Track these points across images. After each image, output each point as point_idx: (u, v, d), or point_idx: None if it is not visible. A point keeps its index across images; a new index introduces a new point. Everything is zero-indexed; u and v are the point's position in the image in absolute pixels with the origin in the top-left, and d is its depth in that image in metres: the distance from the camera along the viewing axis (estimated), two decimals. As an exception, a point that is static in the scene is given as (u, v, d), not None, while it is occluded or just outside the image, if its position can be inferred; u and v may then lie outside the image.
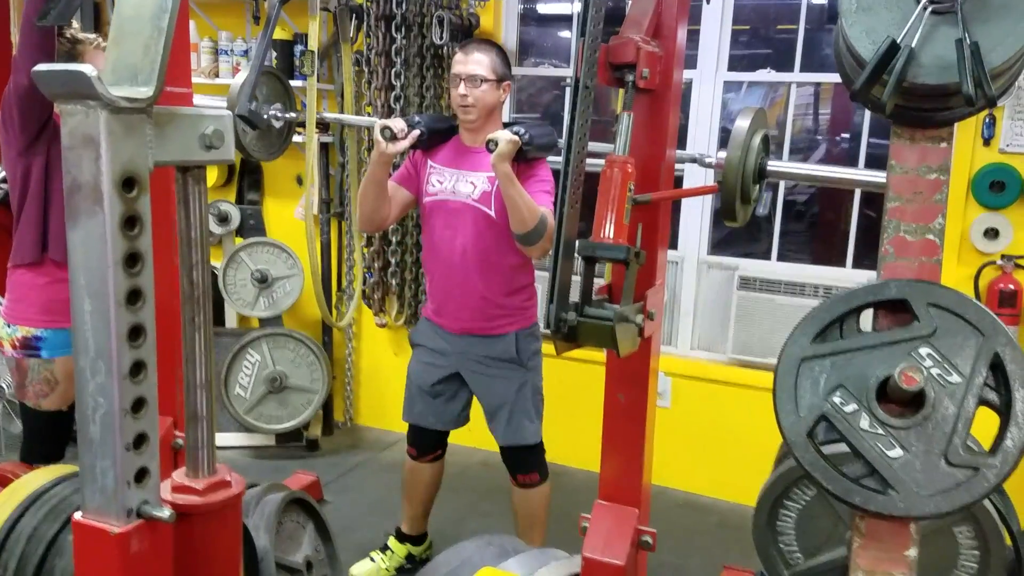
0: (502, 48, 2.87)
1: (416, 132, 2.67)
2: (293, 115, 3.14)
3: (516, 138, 2.52)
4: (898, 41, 1.30)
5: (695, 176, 3.92)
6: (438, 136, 2.83)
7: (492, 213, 2.74)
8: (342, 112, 4.08)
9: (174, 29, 1.15)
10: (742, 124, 1.77)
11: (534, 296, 2.97)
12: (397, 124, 2.64)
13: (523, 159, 2.62)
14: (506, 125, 2.76)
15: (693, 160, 2.32)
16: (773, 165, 1.83)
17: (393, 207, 2.84)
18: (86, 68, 1.07)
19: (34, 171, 2.56)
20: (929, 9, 1.31)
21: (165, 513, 1.25)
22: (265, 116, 3.04)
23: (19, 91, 2.41)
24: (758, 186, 1.83)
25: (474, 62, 2.72)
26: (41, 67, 1.10)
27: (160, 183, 1.38)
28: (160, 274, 1.30)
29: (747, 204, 1.82)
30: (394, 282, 4.29)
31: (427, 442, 3.06)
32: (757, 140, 1.79)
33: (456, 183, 2.80)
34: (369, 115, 4.17)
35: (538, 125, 2.72)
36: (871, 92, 1.36)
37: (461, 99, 2.73)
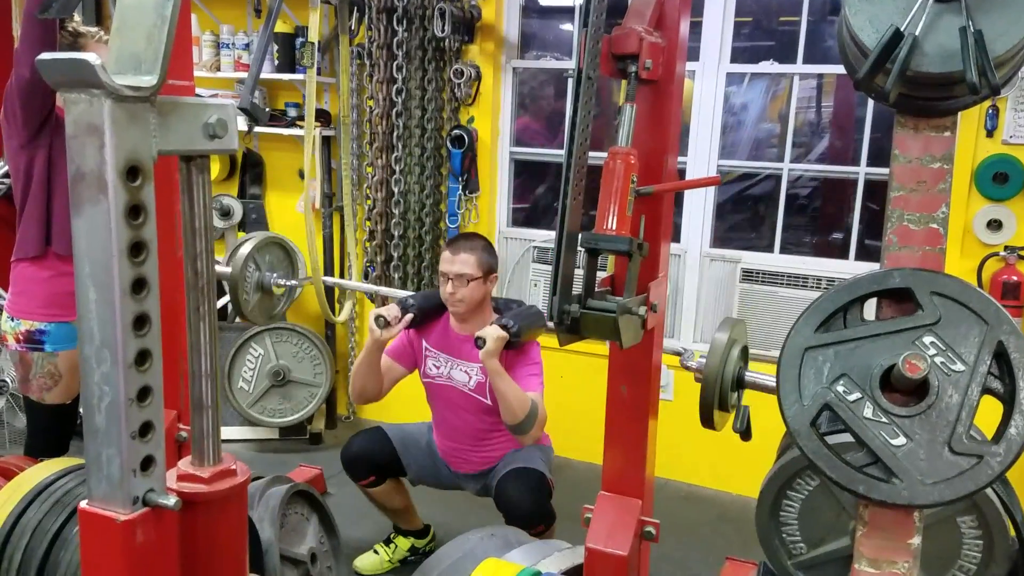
0: (488, 241, 2.97)
1: (409, 316, 2.84)
2: (295, 282, 3.24)
3: (504, 334, 2.65)
4: (902, 30, 1.30)
5: (698, 171, 3.92)
6: (430, 314, 2.97)
7: (488, 402, 2.89)
8: (340, 105, 4.09)
9: (177, 18, 1.15)
10: (721, 337, 1.81)
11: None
12: (390, 312, 2.79)
13: (512, 347, 2.74)
14: (496, 305, 2.95)
15: (676, 353, 2.35)
16: (751, 375, 1.88)
17: (386, 382, 2.98)
18: (90, 56, 1.07)
19: (37, 165, 2.56)
20: (933, -3, 1.31)
21: (171, 501, 1.25)
22: (264, 283, 3.17)
23: (21, 84, 2.41)
24: (736, 394, 1.87)
25: (460, 262, 2.83)
26: (45, 56, 1.09)
27: (163, 173, 1.38)
28: (164, 267, 1.30)
29: (725, 411, 1.86)
30: (396, 276, 4.29)
31: (359, 471, 3.05)
32: (736, 351, 1.84)
33: (451, 370, 2.96)
34: (371, 109, 4.17)
35: (526, 309, 2.87)
36: (874, 81, 1.35)
37: (450, 296, 2.84)
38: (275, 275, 3.18)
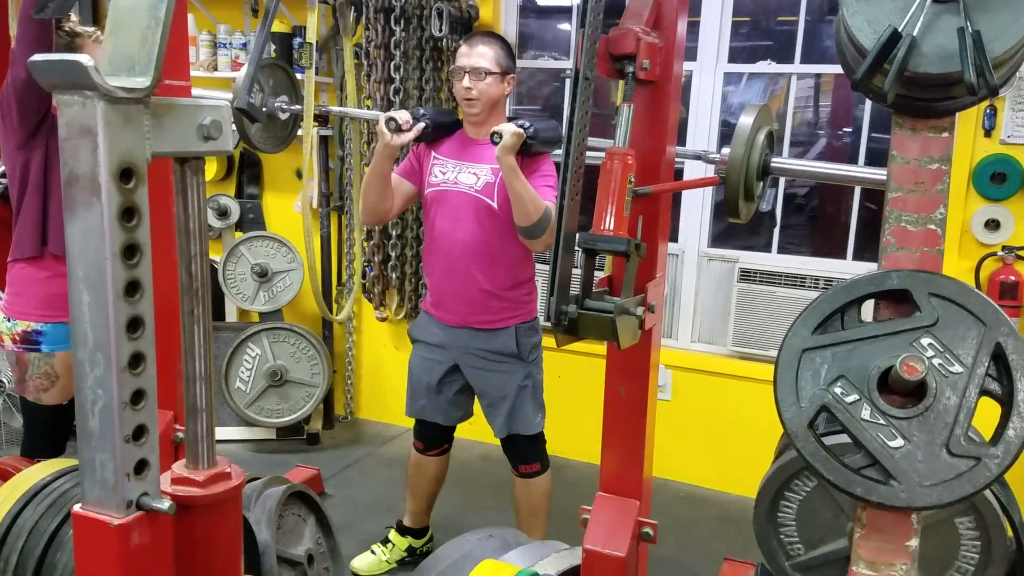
0: (506, 41, 2.86)
1: (421, 125, 2.68)
2: (298, 107, 3.14)
3: (521, 131, 2.52)
4: (900, 30, 1.29)
5: (695, 169, 3.91)
6: (442, 129, 2.84)
7: (495, 205, 2.74)
8: (343, 105, 4.09)
9: (171, 19, 1.14)
10: (746, 120, 1.76)
11: (534, 290, 2.96)
12: (402, 116, 2.64)
13: (527, 153, 2.61)
14: (510, 119, 2.74)
15: (697, 157, 2.31)
16: (777, 162, 1.83)
17: (396, 200, 2.84)
18: (83, 58, 1.06)
19: (33, 165, 2.55)
20: (931, -2, 1.30)
21: (165, 505, 1.25)
22: (265, 108, 3.03)
23: (17, 84, 2.40)
24: (762, 183, 1.83)
25: (478, 55, 2.72)
26: (38, 57, 1.09)
27: (157, 175, 1.38)
28: (158, 269, 1.30)
29: (750, 201, 1.81)
30: (394, 276, 4.29)
31: (434, 436, 3.07)
32: (761, 137, 1.79)
33: (459, 174, 2.80)
34: (368, 108, 4.16)
35: (543, 119, 2.73)
36: (872, 82, 1.35)
37: (465, 92, 2.73)
38: (279, 99, 3.08)
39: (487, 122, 2.77)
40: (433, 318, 2.96)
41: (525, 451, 2.95)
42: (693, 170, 3.90)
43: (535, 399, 2.93)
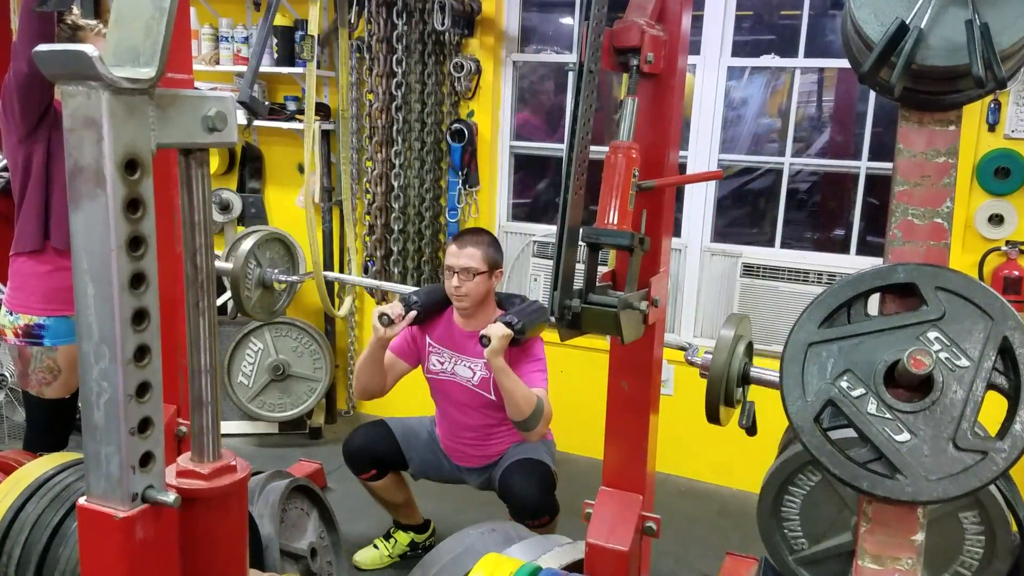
0: (494, 237, 2.96)
1: (412, 313, 2.83)
2: (296, 278, 3.24)
3: (509, 332, 2.64)
4: (907, 22, 1.28)
5: (699, 165, 3.91)
6: (434, 310, 2.96)
7: (492, 397, 2.88)
8: (340, 99, 4.08)
9: (176, 10, 1.14)
10: (727, 333, 1.81)
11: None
12: (394, 310, 2.78)
13: (516, 344, 2.72)
14: (499, 301, 2.95)
15: (681, 348, 2.32)
16: (755, 371, 1.87)
17: (389, 378, 2.97)
18: (87, 48, 1.06)
19: (35, 158, 2.55)
20: (938, -10, 1.30)
21: (170, 498, 1.24)
22: (265, 280, 3.17)
23: (19, 78, 2.40)
24: (741, 389, 1.86)
25: (467, 256, 2.82)
26: (42, 47, 1.08)
27: (162, 167, 1.37)
28: (162, 262, 1.29)
29: (730, 407, 1.85)
30: (396, 271, 4.28)
31: (360, 464, 3.04)
32: (741, 347, 1.84)
33: (455, 366, 2.95)
34: (371, 103, 4.16)
35: (529, 304, 2.86)
36: (879, 75, 1.34)
37: (455, 290, 2.84)
38: (276, 271, 3.17)
39: (477, 315, 2.90)
40: (445, 453, 3.09)
41: (533, 507, 2.76)
42: (697, 164, 3.90)
43: (544, 448, 2.98)
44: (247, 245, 3.04)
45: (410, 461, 3.06)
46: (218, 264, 3.16)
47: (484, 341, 2.61)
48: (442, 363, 2.97)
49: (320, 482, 3.64)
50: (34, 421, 2.82)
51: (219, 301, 4.37)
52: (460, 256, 2.81)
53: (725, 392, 1.80)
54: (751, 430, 1.81)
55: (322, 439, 4.37)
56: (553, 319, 1.70)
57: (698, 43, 3.82)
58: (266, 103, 4.19)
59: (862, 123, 3.72)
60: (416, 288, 3.39)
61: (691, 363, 1.99)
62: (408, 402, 3.60)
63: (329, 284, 4.36)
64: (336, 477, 3.86)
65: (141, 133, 1.15)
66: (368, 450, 3.01)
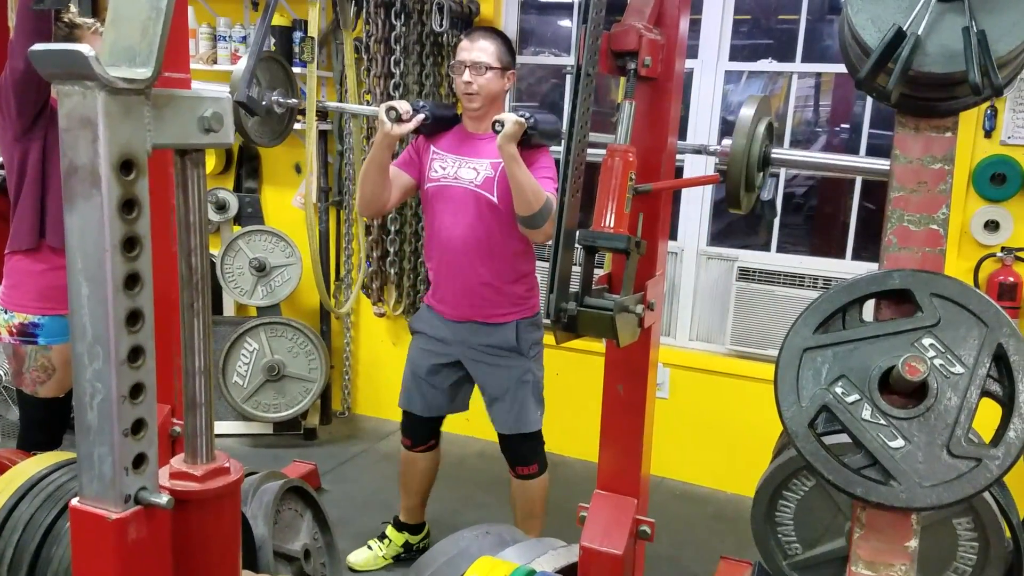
0: (507, 36, 2.86)
1: (421, 116, 2.67)
2: (294, 101, 3.12)
3: (522, 120, 2.52)
4: (904, 29, 1.29)
5: (695, 168, 3.91)
6: (442, 123, 2.83)
7: (495, 199, 2.74)
8: (343, 100, 4.07)
9: (172, 10, 1.14)
10: (747, 112, 1.77)
11: (535, 286, 2.96)
12: (402, 106, 2.65)
13: (527, 145, 2.61)
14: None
15: (697, 151, 2.31)
16: (778, 152, 1.83)
17: (394, 191, 2.83)
18: (83, 48, 1.05)
19: (31, 157, 2.54)
20: (935, -3, 1.30)
21: (163, 499, 1.24)
22: (265, 102, 3.02)
23: (15, 76, 2.39)
24: (762, 173, 1.83)
25: (479, 49, 2.72)
26: (38, 47, 1.08)
27: (157, 167, 1.37)
28: (156, 262, 1.29)
29: (751, 192, 1.81)
30: (392, 271, 4.28)
31: (420, 432, 3.06)
32: (762, 128, 1.79)
33: (459, 169, 2.80)
34: (368, 103, 4.15)
35: (543, 112, 2.72)
36: (876, 81, 1.35)
37: (465, 86, 2.72)
38: (275, 94, 3.08)
39: (486, 117, 2.76)
40: (434, 312, 2.96)
41: (523, 452, 2.94)
42: (693, 168, 3.90)
43: (535, 396, 2.93)
44: (242, 65, 2.91)
45: (439, 407, 3.04)
46: (218, 87, 3.03)
47: (496, 126, 2.49)
48: (444, 168, 2.82)
49: (314, 483, 3.64)
50: (28, 420, 2.81)
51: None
52: (472, 50, 2.72)
53: (747, 176, 1.75)
54: (771, 206, 1.77)
55: (317, 440, 4.36)
56: (549, 321, 1.70)
57: (696, 47, 3.82)
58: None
59: (859, 128, 3.73)
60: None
61: (709, 153, 1.92)
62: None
63: (326, 285, 4.37)
64: (331, 478, 3.86)
65: (137, 133, 1.14)
66: (430, 419, 3.03)
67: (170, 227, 2.19)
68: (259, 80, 3.00)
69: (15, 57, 2.36)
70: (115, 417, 1.18)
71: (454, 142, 2.85)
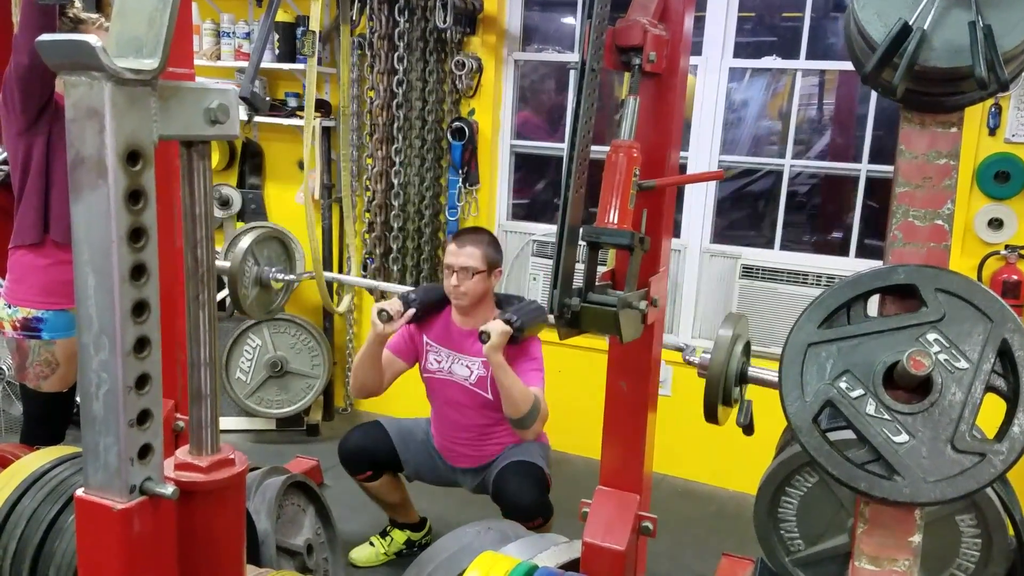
0: (493, 236, 2.96)
1: (411, 311, 2.82)
2: (293, 277, 3.23)
3: (508, 328, 2.64)
4: (910, 23, 1.29)
5: (700, 164, 3.91)
6: (432, 309, 2.96)
7: (489, 396, 2.87)
8: (341, 96, 4.07)
9: (179, 1, 1.14)
10: (725, 332, 1.83)
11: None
12: (393, 307, 2.78)
13: (514, 342, 2.71)
14: (498, 301, 2.94)
15: (678, 349, 2.31)
16: (753, 370, 1.91)
17: (387, 376, 2.96)
18: (90, 38, 1.05)
19: (35, 151, 2.54)
20: (942, -8, 1.30)
21: (168, 490, 1.24)
22: (263, 278, 3.16)
23: (20, 70, 2.39)
24: (739, 388, 1.87)
25: (465, 255, 2.82)
26: (45, 37, 1.08)
27: (162, 159, 1.37)
28: (162, 254, 1.29)
29: (728, 406, 1.86)
30: (395, 268, 4.28)
31: (355, 462, 3.04)
32: (739, 347, 1.86)
33: (452, 365, 2.94)
34: (372, 100, 4.16)
35: (527, 304, 2.85)
36: (882, 76, 1.34)
37: (454, 288, 2.83)
38: (274, 270, 3.16)
39: (475, 312, 2.89)
40: (440, 455, 3.08)
41: (527, 508, 2.75)
42: (697, 165, 3.90)
43: (539, 450, 2.97)
44: (245, 243, 3.04)
45: (405, 463, 3.06)
46: (216, 263, 3.15)
47: (484, 337, 2.61)
48: (439, 362, 2.97)
49: (317, 479, 3.64)
50: (31, 414, 2.81)
51: (218, 297, 4.37)
52: (459, 255, 2.82)
53: (724, 391, 1.80)
54: (748, 429, 1.82)
55: (319, 436, 4.37)
56: (552, 318, 1.70)
57: (700, 44, 3.82)
58: (267, 99, 4.18)
59: (863, 126, 3.72)
60: (414, 287, 3.40)
61: (689, 363, 1.99)
62: (405, 401, 3.61)
63: (328, 281, 4.37)
64: (333, 474, 3.86)
65: (143, 124, 1.14)
66: (364, 451, 3.01)
67: (172, 220, 2.20)
68: (257, 260, 3.12)
69: (20, 52, 2.36)
70: (121, 407, 1.18)
71: (445, 335, 2.97)
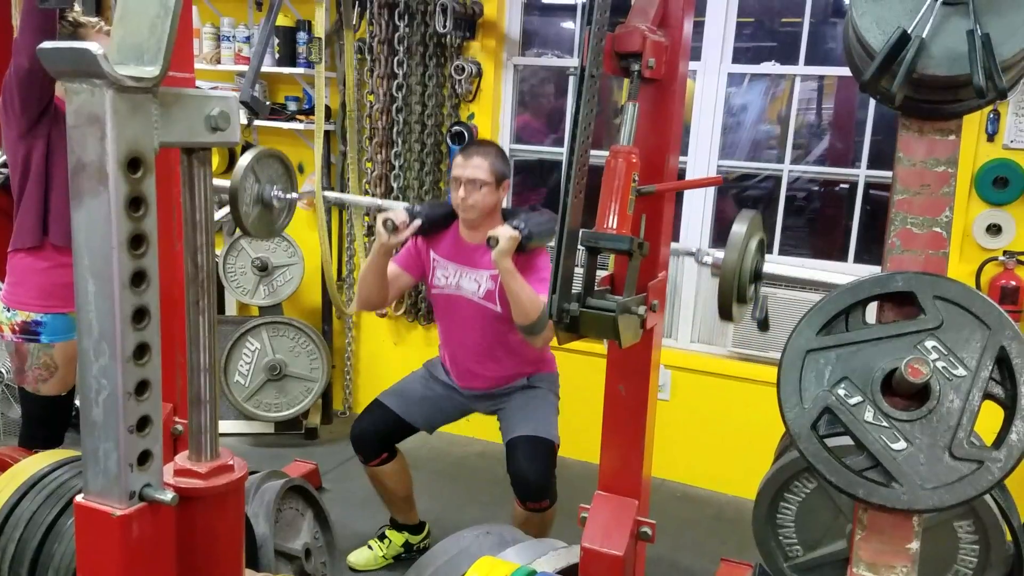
0: (501, 149, 2.93)
1: (417, 223, 2.77)
2: (294, 195, 3.20)
3: (516, 234, 2.60)
4: (909, 31, 1.29)
5: (698, 169, 3.91)
6: (438, 223, 2.93)
7: (498, 309, 2.84)
8: (344, 100, 4.08)
9: (180, 9, 1.14)
10: (739, 228, 1.81)
11: (548, 352, 3.06)
12: (399, 216, 2.73)
13: (523, 251, 2.68)
14: (505, 215, 2.88)
15: (690, 254, 2.31)
16: (769, 265, 1.89)
17: (392, 290, 2.94)
18: (92, 46, 1.06)
19: (35, 155, 2.55)
20: (940, 0, 1.30)
21: (167, 496, 1.24)
22: (265, 196, 3.12)
23: (20, 74, 2.40)
24: (753, 286, 1.86)
25: (473, 167, 2.78)
26: (47, 44, 1.08)
27: (162, 165, 1.37)
28: (161, 260, 1.29)
29: (743, 304, 1.85)
30: (394, 271, 4.28)
31: (369, 447, 3.03)
32: (753, 244, 1.83)
33: (460, 279, 2.91)
34: (371, 104, 4.16)
35: (537, 214, 2.80)
36: (880, 83, 1.35)
37: (462, 201, 2.80)
38: (275, 188, 3.12)
39: (483, 226, 2.84)
40: (450, 375, 3.06)
41: (537, 489, 2.80)
42: (696, 170, 3.90)
43: (553, 410, 2.98)
44: (245, 160, 2.96)
45: (414, 422, 3.04)
46: (217, 180, 3.09)
47: (491, 242, 2.56)
48: (447, 277, 2.92)
49: (315, 482, 3.64)
50: (30, 417, 2.81)
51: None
52: (466, 167, 2.77)
53: (738, 289, 1.78)
54: (764, 324, 1.80)
55: (318, 439, 4.36)
56: (551, 322, 1.70)
57: (699, 49, 3.82)
58: (267, 103, 4.18)
59: (861, 131, 3.73)
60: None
61: (703, 263, 1.96)
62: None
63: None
64: (331, 478, 3.86)
65: (144, 131, 1.15)
66: (374, 432, 3.00)
67: (171, 226, 2.20)
68: (258, 178, 3.08)
69: (20, 55, 2.36)
70: (120, 413, 1.18)
71: (452, 249, 2.94)
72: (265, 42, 2.80)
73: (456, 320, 2.95)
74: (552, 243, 1.68)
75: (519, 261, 2.67)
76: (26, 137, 2.53)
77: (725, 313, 1.82)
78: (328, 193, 3.61)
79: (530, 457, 2.80)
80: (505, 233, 2.58)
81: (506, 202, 4.31)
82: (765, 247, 1.92)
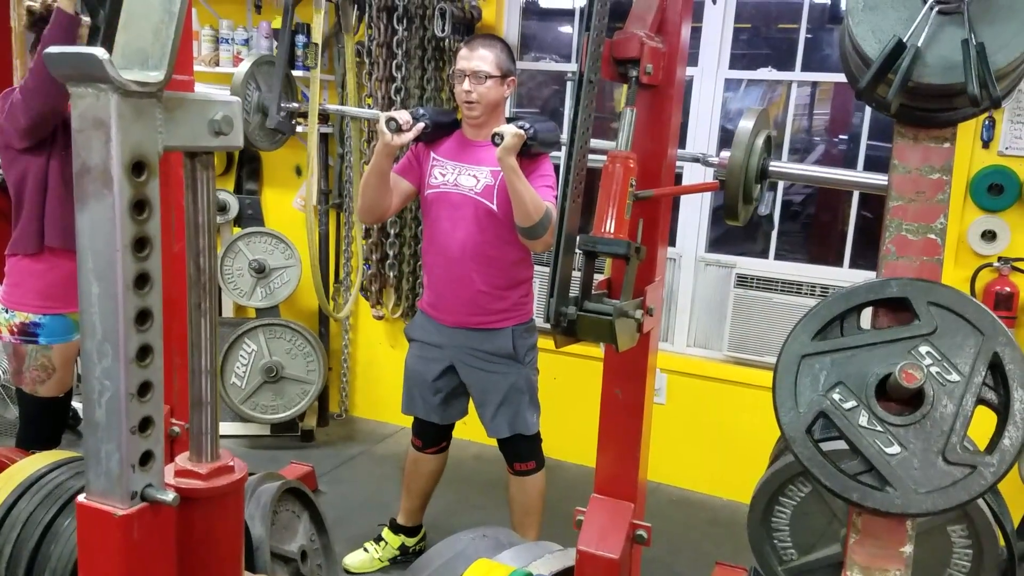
0: (507, 43, 2.87)
1: (420, 125, 2.69)
2: (295, 105, 3.14)
3: (522, 132, 2.53)
4: (904, 40, 1.31)
5: (694, 174, 3.93)
6: (441, 129, 2.85)
7: (494, 207, 2.75)
8: (343, 103, 4.09)
9: (185, 14, 1.15)
10: (746, 125, 1.78)
11: (531, 292, 2.97)
12: (402, 116, 2.66)
13: (526, 154, 2.62)
14: (509, 120, 2.75)
15: (696, 160, 2.31)
16: (775, 165, 1.84)
17: (394, 198, 2.85)
18: (97, 51, 1.07)
19: (34, 166, 2.57)
20: (935, 9, 1.32)
21: (169, 497, 1.25)
22: (264, 105, 3.05)
23: (18, 129, 2.47)
24: (760, 185, 1.84)
25: (478, 58, 2.72)
26: (53, 49, 1.09)
27: (163, 169, 1.38)
28: (162, 262, 1.30)
29: (749, 203, 1.83)
30: (392, 274, 4.29)
31: (432, 434, 3.07)
32: (760, 141, 1.81)
33: (458, 176, 2.81)
34: (369, 107, 4.17)
35: (543, 120, 2.72)
36: (876, 91, 1.36)
37: (465, 95, 2.74)
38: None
39: (487, 124, 2.78)
40: (430, 318, 2.97)
41: (521, 449, 2.96)
42: (692, 175, 3.92)
43: (531, 400, 2.94)
44: (245, 67, 2.92)
45: (440, 415, 3.04)
46: (216, 88, 3.05)
47: (496, 139, 2.51)
48: (444, 175, 2.84)
49: (311, 485, 3.64)
50: (27, 418, 2.82)
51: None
52: (471, 58, 2.72)
53: (744, 188, 1.76)
54: (770, 221, 1.79)
55: (314, 442, 4.37)
56: (548, 325, 1.71)
57: (696, 55, 3.84)
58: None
59: (857, 136, 3.75)
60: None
61: (709, 164, 1.91)
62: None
63: (325, 287, 4.37)
64: (328, 480, 3.86)
65: (148, 135, 1.16)
66: (445, 427, 3.07)
67: (171, 228, 2.21)
68: (259, 85, 3.02)
69: (21, 114, 2.43)
70: (123, 415, 1.19)
71: (454, 149, 2.87)
72: (284, 64, 2.76)
73: (447, 218, 2.82)
74: (558, 151, 1.63)
75: (522, 164, 2.60)
76: (28, 152, 2.55)
77: (731, 213, 1.80)
78: (329, 106, 3.56)
79: (516, 438, 2.91)
80: (511, 130, 2.51)
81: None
82: (772, 144, 1.87)
